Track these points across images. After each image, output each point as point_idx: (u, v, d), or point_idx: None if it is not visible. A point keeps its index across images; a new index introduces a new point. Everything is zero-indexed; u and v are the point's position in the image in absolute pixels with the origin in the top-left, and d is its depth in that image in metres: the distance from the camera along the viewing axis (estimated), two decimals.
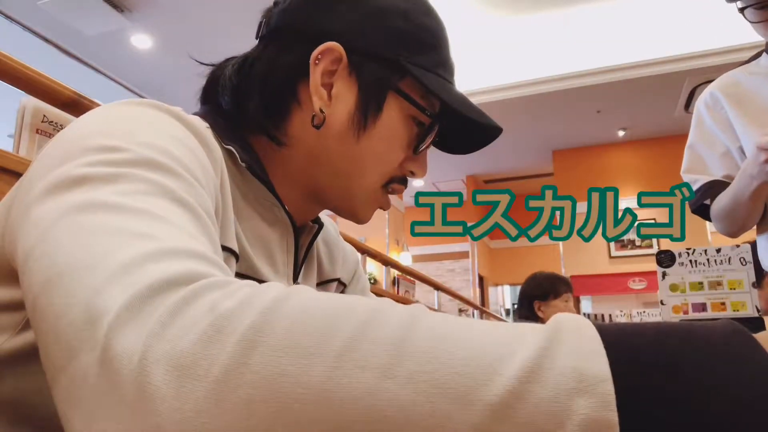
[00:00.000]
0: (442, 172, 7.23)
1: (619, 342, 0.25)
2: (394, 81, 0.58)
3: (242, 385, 0.24)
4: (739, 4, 1.14)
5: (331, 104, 0.57)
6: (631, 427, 0.23)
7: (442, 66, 0.60)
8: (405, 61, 0.57)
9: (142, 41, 4.78)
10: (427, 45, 0.59)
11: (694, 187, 1.29)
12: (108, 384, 0.25)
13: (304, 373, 0.24)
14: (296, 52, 0.57)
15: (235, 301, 0.27)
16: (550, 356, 0.24)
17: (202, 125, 0.49)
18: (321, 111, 0.56)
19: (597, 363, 0.24)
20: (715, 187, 1.24)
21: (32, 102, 1.09)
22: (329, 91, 0.57)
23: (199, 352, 0.25)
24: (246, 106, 0.57)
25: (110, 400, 0.25)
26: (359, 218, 0.63)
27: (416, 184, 7.90)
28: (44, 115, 1.10)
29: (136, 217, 0.33)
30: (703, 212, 1.27)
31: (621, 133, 6.13)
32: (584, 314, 5.78)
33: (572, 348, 0.24)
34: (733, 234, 1.23)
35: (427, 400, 0.23)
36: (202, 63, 0.62)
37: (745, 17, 1.17)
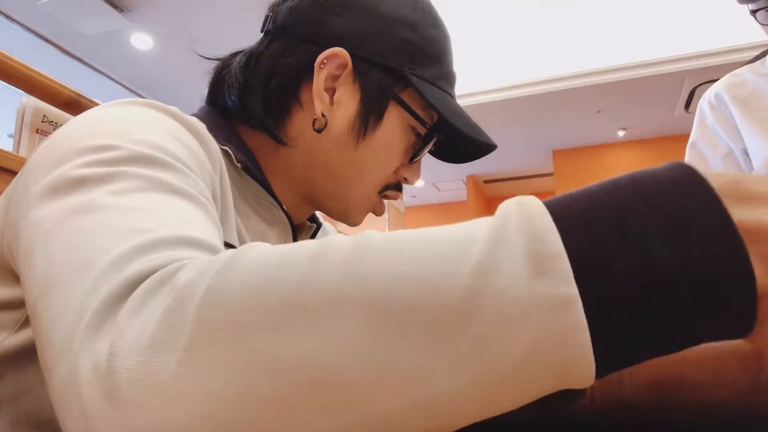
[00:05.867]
0: (443, 172, 7.23)
1: (568, 212, 0.25)
2: (397, 91, 0.58)
3: (210, 347, 0.24)
4: (752, 6, 1.14)
5: (333, 109, 0.57)
6: (592, 294, 0.23)
7: (444, 78, 0.61)
8: (408, 72, 0.57)
9: (142, 41, 4.77)
10: (431, 58, 0.59)
11: None
12: (81, 387, 0.25)
13: (263, 317, 0.24)
14: (301, 54, 0.57)
15: (192, 273, 0.27)
16: (501, 245, 0.24)
17: (200, 124, 0.50)
18: (323, 115, 0.56)
19: (549, 241, 0.24)
20: None
21: (32, 102, 1.09)
22: (331, 95, 0.57)
23: (165, 328, 0.25)
24: (250, 104, 0.57)
25: (88, 403, 0.25)
26: (351, 222, 0.63)
27: (416, 184, 7.89)
28: (44, 115, 1.09)
29: (131, 213, 0.33)
30: None
31: (621, 133, 6.12)
32: None
33: (522, 231, 0.25)
34: None
35: (394, 317, 0.24)
36: (206, 58, 0.62)
37: (756, 20, 1.16)
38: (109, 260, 0.29)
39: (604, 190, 0.26)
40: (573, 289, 0.23)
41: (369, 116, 0.57)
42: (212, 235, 0.35)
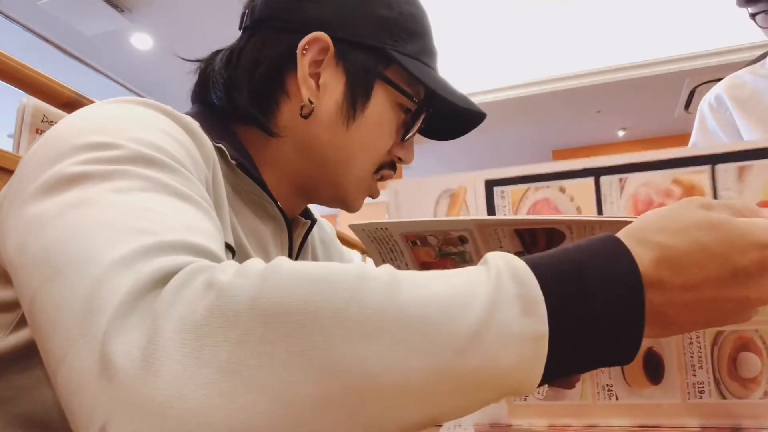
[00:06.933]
0: (442, 172, 7.22)
1: (543, 267, 0.32)
2: (381, 69, 0.58)
3: (266, 343, 0.26)
4: (752, 10, 1.14)
5: (319, 94, 0.57)
6: (555, 331, 0.30)
7: (426, 52, 0.61)
8: (391, 49, 0.58)
9: (142, 41, 4.77)
10: (411, 33, 0.60)
11: None
12: (112, 374, 0.26)
13: (321, 308, 0.27)
14: (282, 43, 0.57)
15: (229, 275, 0.28)
16: (499, 290, 0.31)
17: (194, 122, 0.50)
18: (310, 101, 0.56)
19: (532, 289, 0.31)
20: None
21: (32, 102, 1.09)
22: (317, 80, 0.57)
23: (214, 322, 0.26)
24: (236, 99, 0.57)
25: (116, 390, 0.25)
26: (350, 206, 0.63)
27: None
28: (44, 115, 1.10)
29: (134, 212, 0.33)
30: None
31: (621, 133, 6.12)
32: None
33: (512, 279, 0.31)
34: None
35: (421, 334, 0.29)
36: (187, 60, 0.63)
37: (756, 23, 1.17)
38: (117, 255, 0.29)
39: (566, 250, 0.34)
40: (546, 328, 0.30)
41: (356, 97, 0.57)
42: (213, 239, 0.35)
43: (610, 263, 0.33)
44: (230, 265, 0.30)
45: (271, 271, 0.29)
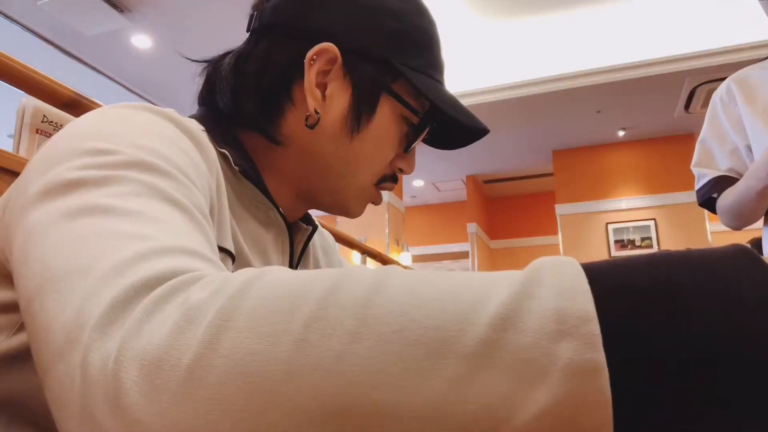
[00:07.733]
0: (442, 172, 7.23)
1: (605, 276, 0.24)
2: (387, 83, 0.58)
3: (213, 371, 0.24)
4: None
5: (325, 104, 0.57)
6: (623, 364, 0.21)
7: (433, 66, 0.61)
8: (398, 62, 0.57)
9: (142, 41, 4.78)
10: (419, 46, 0.59)
11: (703, 181, 1.35)
12: (87, 388, 0.26)
13: (271, 349, 0.24)
14: (290, 51, 0.57)
15: (207, 292, 0.27)
16: (527, 299, 0.23)
17: (198, 128, 0.50)
18: (315, 112, 0.56)
19: (580, 301, 0.22)
20: (723, 182, 1.29)
21: (32, 102, 1.09)
22: (323, 91, 0.57)
23: (171, 344, 0.25)
24: (242, 106, 0.57)
25: (91, 404, 0.25)
26: (351, 214, 0.63)
27: (416, 184, 7.89)
28: (44, 115, 1.09)
29: (128, 218, 0.33)
30: (710, 205, 1.32)
31: (621, 133, 6.13)
32: None
33: (552, 288, 0.23)
34: (737, 227, 1.28)
35: (398, 360, 0.23)
36: (193, 60, 0.62)
37: (765, 11, 1.19)
38: (110, 264, 0.29)
39: (649, 258, 0.25)
40: (600, 357, 0.21)
41: (361, 110, 0.57)
42: (204, 247, 0.35)
43: (729, 263, 0.24)
44: (214, 278, 0.28)
45: (246, 287, 0.26)
